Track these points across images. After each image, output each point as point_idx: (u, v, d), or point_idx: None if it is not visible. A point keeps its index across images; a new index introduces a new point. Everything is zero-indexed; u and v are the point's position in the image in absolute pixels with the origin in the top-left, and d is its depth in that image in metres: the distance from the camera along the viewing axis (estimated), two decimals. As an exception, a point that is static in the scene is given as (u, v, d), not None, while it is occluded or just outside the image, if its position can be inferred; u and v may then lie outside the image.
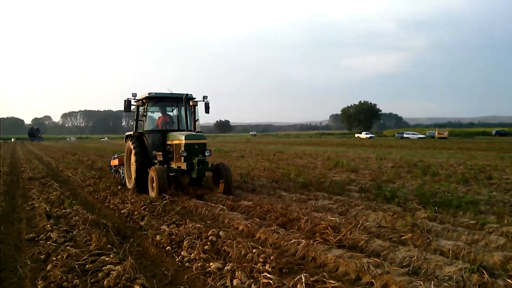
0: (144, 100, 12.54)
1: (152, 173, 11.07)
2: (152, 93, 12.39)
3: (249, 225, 7.70)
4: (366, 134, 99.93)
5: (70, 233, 7.13)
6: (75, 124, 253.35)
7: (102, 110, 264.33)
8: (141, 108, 12.91)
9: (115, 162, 15.43)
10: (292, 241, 6.45)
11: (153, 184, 10.93)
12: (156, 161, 12.10)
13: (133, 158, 12.36)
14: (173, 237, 6.80)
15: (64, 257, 5.80)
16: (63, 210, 9.01)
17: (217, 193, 11.44)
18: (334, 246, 6.28)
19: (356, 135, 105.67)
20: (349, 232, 6.89)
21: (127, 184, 13.23)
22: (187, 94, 12.36)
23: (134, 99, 12.53)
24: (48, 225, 7.71)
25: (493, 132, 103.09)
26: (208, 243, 6.42)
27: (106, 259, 5.70)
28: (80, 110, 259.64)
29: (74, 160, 27.88)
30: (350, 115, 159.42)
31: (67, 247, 6.30)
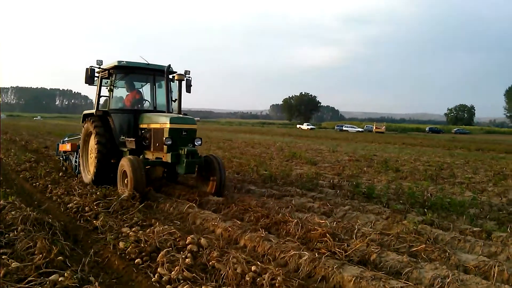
0: (111, 71, 9.94)
1: (124, 165, 8.55)
2: (122, 61, 9.87)
3: (229, 228, 6.43)
4: (307, 125, 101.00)
5: (6, 236, 5.54)
6: (6, 101, 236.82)
7: (34, 87, 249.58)
8: (105, 81, 10.25)
9: (65, 147, 12.59)
10: (291, 252, 5.29)
11: (126, 180, 8.55)
12: (126, 149, 9.63)
13: (93, 143, 9.84)
14: (141, 245, 5.40)
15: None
16: (-5, 203, 7.25)
17: (205, 193, 9.06)
18: (343, 260, 5.21)
19: (298, 125, 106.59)
20: (353, 241, 5.86)
21: (83, 176, 10.63)
22: (169, 65, 9.72)
23: (99, 67, 9.87)
24: (-26, 224, 6.03)
25: (427, 129, 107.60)
26: (189, 254, 5.10)
27: (60, 278, 4.25)
28: (11, 87, 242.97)
29: (5, 140, 25.07)
30: (291, 106, 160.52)
31: (3, 259, 4.76)
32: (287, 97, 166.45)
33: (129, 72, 10.40)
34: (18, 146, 21.08)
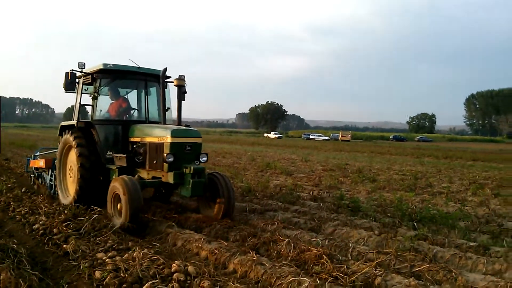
0: (95, 75, 8.69)
1: (118, 187, 7.08)
2: (108, 64, 8.58)
3: (215, 250, 5.87)
4: (275, 134, 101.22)
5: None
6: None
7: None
8: (85, 87, 9.07)
9: (38, 163, 10.91)
10: (289, 278, 4.78)
11: (118, 205, 7.22)
12: (114, 167, 8.23)
13: (74, 158, 8.53)
14: (121, 274, 4.78)
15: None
16: None
17: (208, 217, 7.87)
18: (348, 285, 4.76)
19: (266, 134, 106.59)
20: (352, 262, 5.43)
21: (61, 197, 9.21)
22: (165, 69, 8.45)
23: (81, 71, 8.56)
24: None
25: (391, 137, 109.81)
26: (176, 285, 4.52)
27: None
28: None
29: (-42, 152, 23.57)
30: (258, 114, 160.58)
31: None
32: (254, 105, 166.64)
33: (116, 77, 9.08)
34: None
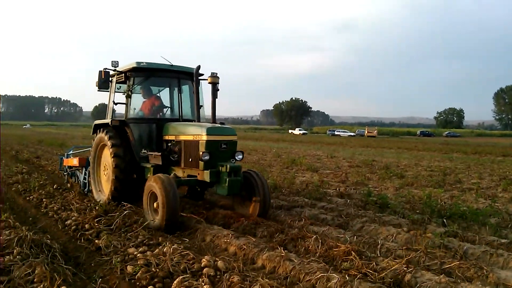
0: (129, 74, 8.66)
1: (154, 186, 6.98)
2: (142, 62, 8.54)
3: (244, 246, 5.93)
4: (300, 130, 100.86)
5: (2, 261, 5.00)
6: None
7: (23, 95, 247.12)
8: (118, 86, 9.17)
9: (71, 161, 10.98)
10: (318, 274, 4.79)
11: (155, 204, 7.14)
12: (149, 165, 8.26)
13: (108, 158, 8.62)
14: (152, 269, 4.88)
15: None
16: (-13, 222, 6.64)
17: (243, 216, 7.69)
18: (377, 282, 4.74)
19: (290, 131, 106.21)
20: (381, 259, 5.41)
21: (95, 194, 9.34)
22: (199, 66, 8.41)
23: (114, 70, 8.66)
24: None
25: (418, 132, 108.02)
26: (206, 280, 4.59)
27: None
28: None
29: (-6, 150, 24.26)
30: (282, 111, 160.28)
31: (-1, 289, 4.23)
32: (278, 102, 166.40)
33: (150, 75, 9.00)
34: (8, 157, 20.36)
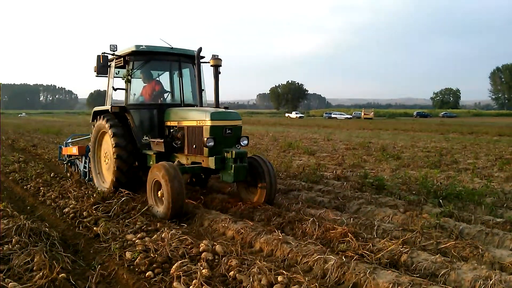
0: (128, 58, 8.38)
1: (158, 174, 6.74)
2: (141, 46, 8.25)
3: (241, 230, 5.97)
4: (296, 113, 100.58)
5: (0, 250, 5.02)
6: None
7: (18, 83, 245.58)
8: (117, 71, 8.90)
9: (70, 150, 10.78)
10: (315, 256, 4.85)
11: (159, 192, 6.89)
12: (151, 153, 8.06)
13: (109, 146, 8.41)
14: (151, 255, 4.92)
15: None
16: (-14, 211, 6.62)
17: (249, 202, 7.57)
18: (373, 263, 4.80)
19: (287, 114, 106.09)
20: (377, 240, 5.46)
21: (96, 183, 9.14)
22: (200, 48, 8.09)
23: (113, 54, 8.32)
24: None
25: (414, 113, 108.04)
26: (205, 264, 4.64)
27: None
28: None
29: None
30: (279, 95, 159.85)
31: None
32: (274, 86, 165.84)
33: (149, 58, 8.70)
34: (4, 145, 20.33)
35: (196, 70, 8.16)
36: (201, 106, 8.11)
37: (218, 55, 8.08)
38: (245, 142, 7.59)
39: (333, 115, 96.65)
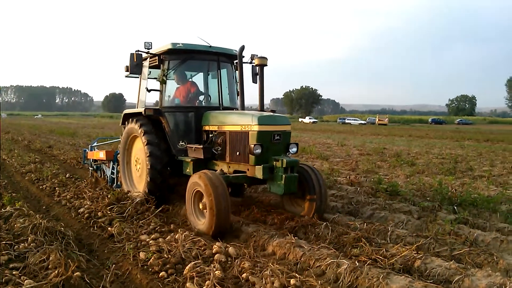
0: (163, 56, 7.78)
1: (201, 185, 6.07)
2: (178, 44, 7.58)
3: (254, 233, 6.00)
4: (310, 118, 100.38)
5: (16, 248, 5.11)
6: (6, 100, 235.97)
7: (34, 85, 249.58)
8: (149, 71, 8.22)
9: (97, 154, 10.19)
10: (328, 260, 4.85)
11: (200, 205, 6.36)
12: (188, 160, 7.44)
13: (142, 153, 7.87)
14: (164, 255, 4.98)
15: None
16: (2, 209, 6.72)
17: (295, 215, 6.92)
18: (387, 268, 4.78)
19: (300, 119, 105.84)
20: (391, 246, 5.44)
21: (126, 188, 8.53)
22: (243, 46, 7.32)
23: (147, 53, 7.77)
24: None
25: (429, 120, 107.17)
26: (217, 265, 4.67)
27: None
28: (11, 85, 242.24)
29: (7, 140, 24.58)
30: (292, 99, 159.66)
31: (14, 274, 4.33)
32: (288, 90, 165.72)
33: (187, 57, 7.96)
34: (20, 146, 20.64)
35: (238, 70, 7.47)
36: (242, 109, 7.52)
37: (257, 55, 7.61)
38: (294, 149, 6.84)
39: (347, 121, 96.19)
